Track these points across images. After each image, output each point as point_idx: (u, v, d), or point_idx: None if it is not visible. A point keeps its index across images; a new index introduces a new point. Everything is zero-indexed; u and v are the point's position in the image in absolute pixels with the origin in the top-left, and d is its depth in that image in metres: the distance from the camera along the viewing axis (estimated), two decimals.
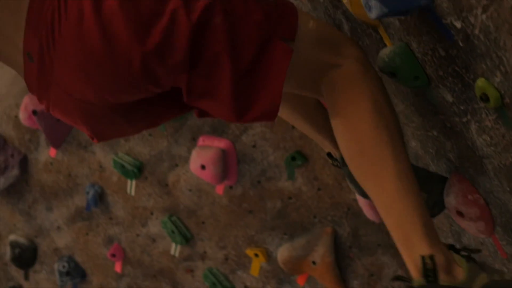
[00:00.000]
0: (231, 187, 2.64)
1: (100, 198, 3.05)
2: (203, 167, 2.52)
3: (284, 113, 1.63)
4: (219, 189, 2.67)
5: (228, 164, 2.57)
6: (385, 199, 1.24)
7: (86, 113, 1.24)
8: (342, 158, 1.56)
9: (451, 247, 1.26)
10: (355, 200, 2.35)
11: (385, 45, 1.38)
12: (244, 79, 1.20)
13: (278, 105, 1.23)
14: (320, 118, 1.60)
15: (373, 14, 1.13)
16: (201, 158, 2.53)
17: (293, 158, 2.42)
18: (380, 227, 2.36)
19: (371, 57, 1.44)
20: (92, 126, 1.30)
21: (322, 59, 1.30)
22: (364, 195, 1.48)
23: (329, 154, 1.64)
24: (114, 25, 1.11)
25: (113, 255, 3.14)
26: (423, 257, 1.18)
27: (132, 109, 1.28)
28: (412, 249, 1.21)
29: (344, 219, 2.44)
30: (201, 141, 2.62)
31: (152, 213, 2.94)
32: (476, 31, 0.98)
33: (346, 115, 1.28)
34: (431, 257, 1.18)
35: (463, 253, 1.27)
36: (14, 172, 3.23)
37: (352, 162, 1.29)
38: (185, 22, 1.13)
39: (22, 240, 3.47)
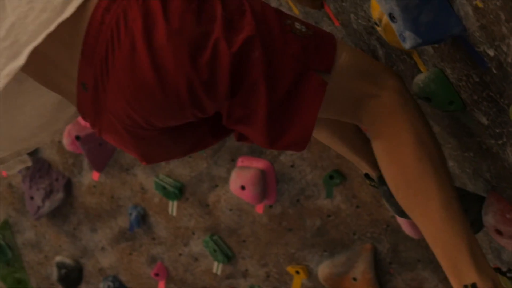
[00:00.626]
0: (270, 206, 2.69)
1: (142, 219, 3.12)
2: (243, 187, 2.57)
3: (321, 135, 1.68)
4: (259, 208, 2.72)
5: (267, 184, 2.62)
6: (432, 229, 1.28)
7: (136, 137, 1.32)
8: (379, 178, 1.59)
9: (497, 270, 1.29)
10: (394, 217, 2.37)
11: (419, 71, 1.42)
12: (279, 109, 1.26)
13: (309, 137, 1.29)
14: (357, 140, 1.64)
15: (407, 45, 1.17)
16: (241, 179, 2.58)
17: (331, 177, 2.46)
18: (420, 243, 2.38)
19: (406, 82, 1.48)
20: (142, 149, 1.37)
21: (360, 90, 1.34)
22: (401, 214, 1.52)
23: (366, 175, 1.68)
24: (163, 58, 1.19)
25: (157, 274, 3.21)
26: (465, 286, 1.21)
27: (179, 132, 1.35)
28: (461, 277, 1.24)
29: (383, 235, 2.47)
30: (240, 162, 2.67)
31: (193, 233, 3.00)
32: (509, 59, 1.01)
33: (389, 148, 1.33)
34: (474, 285, 1.21)
35: (510, 275, 1.29)
36: (59, 195, 3.32)
37: (398, 193, 1.33)
38: (226, 55, 1.20)
39: (68, 261, 3.56)
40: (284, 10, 2.08)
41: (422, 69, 1.41)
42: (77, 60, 1.27)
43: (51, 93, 1.44)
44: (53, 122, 1.50)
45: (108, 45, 1.22)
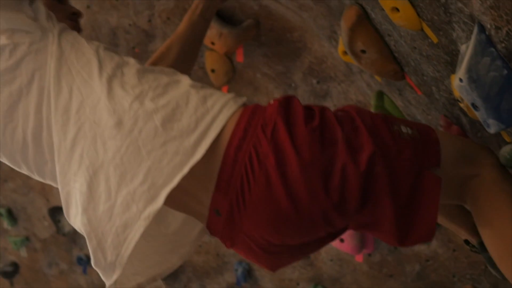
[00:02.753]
0: (369, 255, 2.83)
1: (248, 274, 3.30)
2: (341, 240, 2.72)
3: None
4: (359, 258, 2.86)
5: (364, 234, 2.75)
6: None
7: (269, 253, 1.47)
8: (480, 244, 1.68)
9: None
10: None
11: (504, 140, 1.54)
12: (403, 211, 1.39)
13: (434, 230, 1.41)
14: (454, 208, 1.76)
15: (491, 130, 1.31)
16: None
17: None
18: None
19: (493, 148, 1.60)
20: (272, 261, 1.53)
21: (463, 173, 1.47)
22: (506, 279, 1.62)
23: (466, 241, 1.77)
24: (297, 189, 1.33)
25: None
26: None
27: (307, 243, 1.50)
28: None
29: (483, 276, 2.56)
30: None
31: (298, 284, 3.16)
32: None
33: (493, 223, 1.44)
34: None
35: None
36: None
37: (501, 263, 1.45)
38: (355, 176, 1.34)
39: None
40: (366, 79, 2.24)
41: (507, 139, 1.53)
42: (210, 191, 1.40)
43: (177, 217, 1.59)
44: (182, 244, 1.64)
45: (243, 179, 1.36)
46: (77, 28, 1.81)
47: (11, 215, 3.78)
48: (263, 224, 1.39)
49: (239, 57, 2.71)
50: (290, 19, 2.49)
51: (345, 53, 2.06)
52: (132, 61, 1.55)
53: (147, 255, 1.59)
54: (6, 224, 3.83)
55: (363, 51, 1.92)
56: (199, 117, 1.41)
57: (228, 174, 1.38)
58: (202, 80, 2.82)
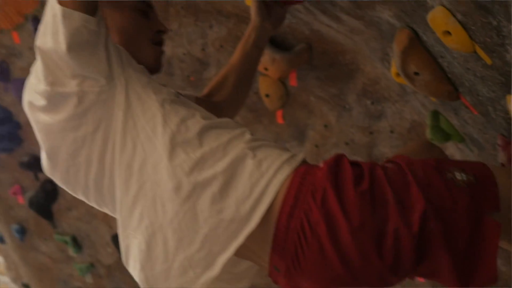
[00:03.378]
0: None
1: None
2: None
3: None
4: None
5: None
6: None
7: None
8: None
9: None
10: None
11: None
12: (462, 260, 1.37)
13: (496, 275, 1.39)
14: None
15: None
16: None
17: None
18: None
19: None
20: None
21: None
22: None
23: None
24: (350, 254, 1.36)
25: None
26: None
27: None
28: None
29: None
30: None
31: None
32: None
33: None
34: None
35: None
36: None
37: None
38: (408, 238, 1.34)
39: None
40: (420, 99, 2.24)
41: None
42: (267, 252, 1.44)
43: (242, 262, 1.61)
44: (240, 278, 1.65)
45: (297, 245, 1.40)
46: (159, 52, 1.81)
47: (76, 243, 3.89)
48: (318, 282, 1.42)
49: (293, 81, 2.74)
50: (341, 42, 2.51)
51: (398, 74, 2.07)
52: (197, 114, 1.59)
53: None
54: (71, 251, 3.94)
55: (417, 73, 1.92)
56: (253, 183, 1.44)
57: (282, 239, 1.41)
58: (256, 105, 2.87)
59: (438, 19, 1.58)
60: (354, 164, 1.47)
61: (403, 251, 1.35)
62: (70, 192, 1.72)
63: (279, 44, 2.66)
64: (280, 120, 2.87)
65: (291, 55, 2.64)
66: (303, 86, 2.75)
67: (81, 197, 1.71)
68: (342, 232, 1.35)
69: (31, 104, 1.61)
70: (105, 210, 1.72)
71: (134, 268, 1.56)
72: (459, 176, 1.42)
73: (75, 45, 1.51)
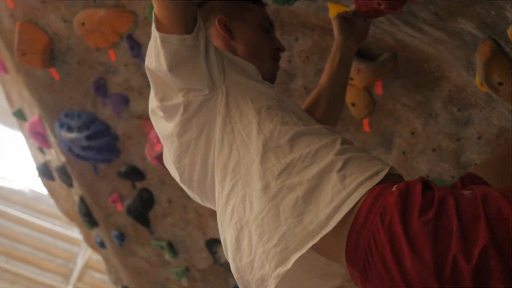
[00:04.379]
0: None
1: None
2: None
3: None
4: None
5: None
6: None
7: None
8: None
9: None
10: None
11: None
12: None
13: None
14: None
15: None
16: None
17: None
18: None
19: None
20: None
21: None
22: None
23: None
24: (412, 279, 1.40)
25: None
26: None
27: None
28: None
29: None
30: None
31: None
32: None
33: None
34: None
35: None
36: None
37: None
38: (466, 270, 1.36)
39: None
40: (506, 105, 2.24)
41: None
42: (343, 260, 1.52)
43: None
44: (333, 276, 1.75)
45: (364, 261, 1.47)
46: (275, 67, 1.97)
47: (172, 248, 4.03)
48: None
49: (378, 90, 2.77)
50: (426, 51, 2.53)
51: (482, 84, 2.08)
52: (293, 120, 1.69)
53: (299, 280, 1.72)
54: (167, 256, 4.09)
55: (500, 84, 1.94)
56: (335, 194, 1.53)
57: (353, 252, 1.49)
58: (343, 114, 2.91)
59: None
60: (429, 189, 1.51)
61: (462, 281, 1.36)
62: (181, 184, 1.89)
63: (364, 54, 2.70)
64: (366, 128, 2.91)
65: (376, 64, 2.67)
66: (388, 94, 2.78)
67: (187, 190, 1.88)
68: (405, 257, 1.40)
69: (152, 111, 1.79)
70: (208, 205, 1.89)
71: (229, 259, 1.69)
72: None
73: (175, 64, 1.64)
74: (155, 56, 1.66)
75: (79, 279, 9.98)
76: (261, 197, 1.57)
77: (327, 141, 1.63)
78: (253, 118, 1.66)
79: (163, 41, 1.63)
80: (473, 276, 1.36)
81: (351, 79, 2.73)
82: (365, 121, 2.90)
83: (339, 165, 1.57)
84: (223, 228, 1.70)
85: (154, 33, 1.65)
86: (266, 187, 1.57)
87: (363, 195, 1.51)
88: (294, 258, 1.51)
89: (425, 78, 2.64)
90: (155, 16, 1.66)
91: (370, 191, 1.51)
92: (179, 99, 1.68)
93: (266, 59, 1.92)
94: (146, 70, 1.72)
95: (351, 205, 1.50)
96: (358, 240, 1.47)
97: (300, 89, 2.99)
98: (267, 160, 1.60)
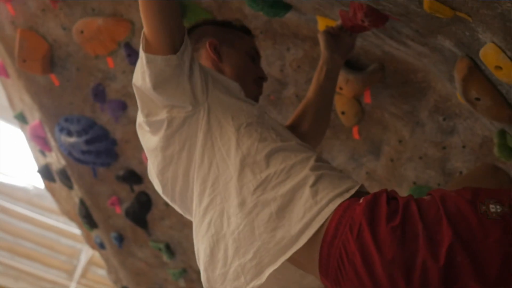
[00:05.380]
0: None
1: None
2: None
3: None
4: None
5: None
6: None
7: None
8: None
9: None
10: None
11: None
12: None
13: None
14: None
15: None
16: None
17: None
18: None
19: None
20: None
21: None
22: None
23: None
24: (382, 283, 1.46)
25: None
26: None
27: None
28: None
29: None
30: None
31: None
32: None
33: None
34: None
35: None
36: None
37: None
38: (435, 270, 1.43)
39: None
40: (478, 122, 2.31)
41: None
42: (316, 273, 1.59)
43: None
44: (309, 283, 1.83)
45: (337, 271, 1.54)
46: (257, 93, 2.08)
47: (169, 250, 4.11)
48: None
49: (367, 99, 2.85)
50: (412, 62, 2.60)
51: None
52: (271, 136, 1.76)
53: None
54: (165, 257, 4.17)
55: (478, 99, 2.01)
56: (307, 209, 1.60)
57: (325, 264, 1.56)
58: (333, 121, 2.99)
59: (490, 55, 1.67)
60: (393, 199, 1.58)
61: (431, 282, 1.43)
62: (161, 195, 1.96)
63: (352, 65, 2.78)
64: (356, 135, 2.99)
65: (364, 74, 2.75)
66: (377, 103, 2.85)
67: (170, 203, 1.96)
68: (375, 263, 1.46)
69: (139, 125, 1.88)
70: (188, 217, 1.95)
71: (200, 269, 1.77)
72: (493, 208, 1.47)
73: (160, 83, 1.72)
74: (141, 74, 1.74)
75: (83, 275, 10.08)
76: (237, 213, 1.64)
77: (302, 157, 1.71)
78: (232, 135, 1.73)
79: (148, 61, 1.71)
80: (443, 275, 1.42)
81: (341, 88, 2.81)
82: (355, 129, 2.98)
83: (311, 180, 1.64)
84: (197, 239, 1.77)
85: (141, 53, 1.73)
86: (242, 203, 1.64)
87: (335, 210, 1.58)
88: (267, 272, 1.58)
89: (412, 88, 2.71)
90: (144, 35, 1.73)
91: (338, 207, 1.58)
92: (163, 115, 1.76)
93: (249, 83, 2.01)
94: (133, 87, 1.80)
95: (322, 222, 1.57)
96: (330, 251, 1.54)
97: (292, 97, 3.07)
98: (244, 176, 1.67)
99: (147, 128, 1.83)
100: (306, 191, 1.62)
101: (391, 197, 1.60)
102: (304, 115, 2.24)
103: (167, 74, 1.72)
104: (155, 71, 1.71)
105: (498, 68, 1.67)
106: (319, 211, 1.59)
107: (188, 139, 1.77)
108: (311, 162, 1.69)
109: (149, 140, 1.85)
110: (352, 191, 1.64)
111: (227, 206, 1.68)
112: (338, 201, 1.60)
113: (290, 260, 1.62)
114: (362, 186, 1.69)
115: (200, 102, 1.76)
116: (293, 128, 2.18)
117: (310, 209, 1.59)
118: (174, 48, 1.72)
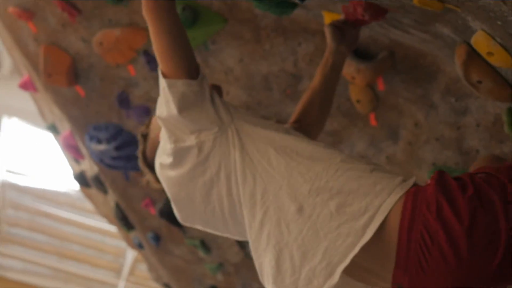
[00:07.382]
0: None
1: None
2: None
3: None
4: None
5: None
6: None
7: None
8: None
9: None
10: None
11: None
12: None
13: None
14: None
15: None
16: None
17: None
18: None
19: None
20: None
21: None
22: None
23: None
24: (466, 255, 1.50)
25: None
26: None
27: None
28: None
29: None
30: None
31: None
32: None
33: None
34: None
35: None
36: None
37: None
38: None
39: None
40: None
41: None
42: (390, 268, 1.59)
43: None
44: None
45: (420, 256, 1.55)
46: None
47: (205, 245, 4.21)
48: (442, 283, 1.55)
49: (380, 86, 2.91)
50: (420, 47, 2.65)
51: None
52: (304, 141, 1.80)
53: None
54: (201, 253, 4.28)
55: (479, 82, 2.06)
56: (368, 202, 1.61)
57: (405, 253, 1.56)
58: (350, 110, 3.06)
59: (481, 42, 1.73)
60: (455, 178, 1.62)
61: None
62: (212, 231, 1.99)
63: (362, 54, 2.84)
64: (373, 122, 3.05)
65: (374, 63, 2.80)
66: (390, 89, 2.91)
67: (225, 234, 1.98)
68: (458, 234, 1.49)
69: (161, 165, 1.91)
70: (238, 238, 1.98)
71: (268, 282, 1.78)
72: None
73: (184, 107, 1.79)
74: (165, 104, 1.80)
75: (131, 272, 10.26)
76: (297, 219, 1.67)
77: (346, 155, 1.76)
78: (268, 145, 1.78)
79: (170, 86, 1.78)
80: None
81: (353, 78, 2.87)
82: (372, 116, 3.04)
83: (367, 174, 1.67)
84: (258, 254, 1.78)
85: (162, 82, 1.80)
86: (300, 209, 1.67)
87: (398, 200, 1.60)
88: (339, 270, 1.59)
89: (422, 72, 2.76)
90: (161, 69, 1.81)
91: (406, 194, 1.61)
92: (191, 141, 1.81)
93: None
94: (159, 120, 1.85)
95: (386, 212, 1.59)
96: (409, 236, 1.54)
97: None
98: (294, 181, 1.70)
99: (169, 160, 1.85)
100: (365, 184, 1.65)
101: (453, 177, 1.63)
102: (311, 105, 2.30)
103: (190, 99, 1.78)
104: (178, 95, 1.77)
105: (490, 54, 1.72)
106: (381, 203, 1.61)
107: (222, 159, 1.81)
108: (357, 157, 1.78)
109: (174, 174, 1.88)
110: (411, 181, 1.67)
111: (282, 215, 1.70)
112: (399, 192, 1.62)
113: (351, 271, 1.62)
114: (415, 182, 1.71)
115: (226, 123, 1.82)
116: (298, 122, 2.25)
117: (372, 202, 1.61)
118: (190, 74, 1.80)
